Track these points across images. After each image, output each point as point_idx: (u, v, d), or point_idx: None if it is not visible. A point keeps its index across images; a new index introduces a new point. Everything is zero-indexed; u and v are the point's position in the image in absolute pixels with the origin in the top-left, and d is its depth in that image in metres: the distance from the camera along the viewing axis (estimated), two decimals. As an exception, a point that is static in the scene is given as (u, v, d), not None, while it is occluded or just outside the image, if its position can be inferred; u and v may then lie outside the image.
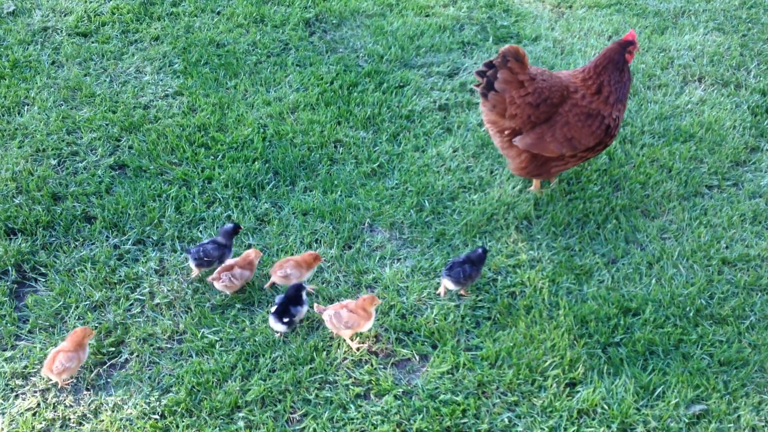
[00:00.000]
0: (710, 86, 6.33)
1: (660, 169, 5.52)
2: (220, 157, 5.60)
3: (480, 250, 4.63)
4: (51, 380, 4.13)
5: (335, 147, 5.77)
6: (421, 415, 4.01)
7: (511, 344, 4.34)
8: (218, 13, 7.20)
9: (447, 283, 4.60)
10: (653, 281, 4.71)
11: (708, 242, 4.95)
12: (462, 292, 4.66)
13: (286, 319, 4.32)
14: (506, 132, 4.97)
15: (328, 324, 4.31)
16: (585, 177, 5.45)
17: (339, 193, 5.34)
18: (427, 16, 7.26)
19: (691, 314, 4.49)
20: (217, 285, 4.53)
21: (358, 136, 5.83)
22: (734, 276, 4.74)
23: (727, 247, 4.93)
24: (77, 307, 4.52)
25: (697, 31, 6.98)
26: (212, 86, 6.27)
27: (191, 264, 4.68)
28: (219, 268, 4.54)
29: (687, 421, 3.98)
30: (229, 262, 4.59)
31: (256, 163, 5.54)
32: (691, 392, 4.09)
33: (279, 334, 4.40)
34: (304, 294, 4.41)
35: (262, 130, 5.84)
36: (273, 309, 4.36)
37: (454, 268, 4.55)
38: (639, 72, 6.46)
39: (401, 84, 6.38)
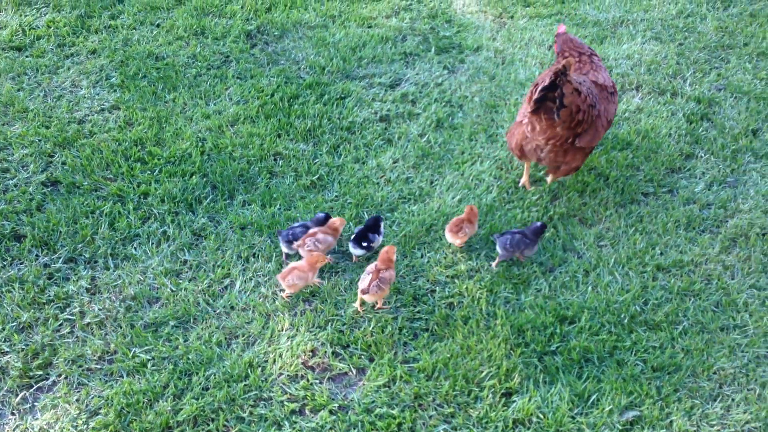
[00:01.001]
0: (647, 94, 6.42)
1: (597, 178, 5.58)
2: (156, 171, 5.51)
3: (538, 224, 4.84)
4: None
5: (275, 160, 5.72)
6: (357, 430, 3.97)
7: (448, 355, 4.32)
8: (158, 25, 7.11)
9: (498, 248, 4.84)
10: (589, 289, 4.74)
11: (643, 249, 5.01)
12: (519, 256, 4.89)
13: (365, 244, 4.81)
14: (569, 140, 4.94)
15: (373, 295, 4.45)
16: (521, 187, 5.48)
17: (278, 206, 5.29)
18: (369, 27, 7.26)
19: (626, 321, 4.53)
20: (302, 252, 4.80)
21: (298, 149, 5.79)
22: (668, 282, 4.79)
23: (661, 254, 4.99)
24: (3, 329, 4.39)
25: (635, 40, 7.09)
26: (150, 100, 6.18)
27: (282, 246, 4.91)
28: (304, 236, 4.83)
29: (620, 428, 4.00)
30: (313, 229, 4.88)
31: (193, 177, 5.47)
32: (625, 399, 4.12)
33: (356, 258, 4.92)
34: (382, 225, 4.93)
35: (200, 144, 5.77)
36: (352, 237, 4.88)
37: (505, 234, 4.80)
38: (578, 81, 6.53)
39: (342, 95, 6.35)
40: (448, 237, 4.94)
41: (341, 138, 5.92)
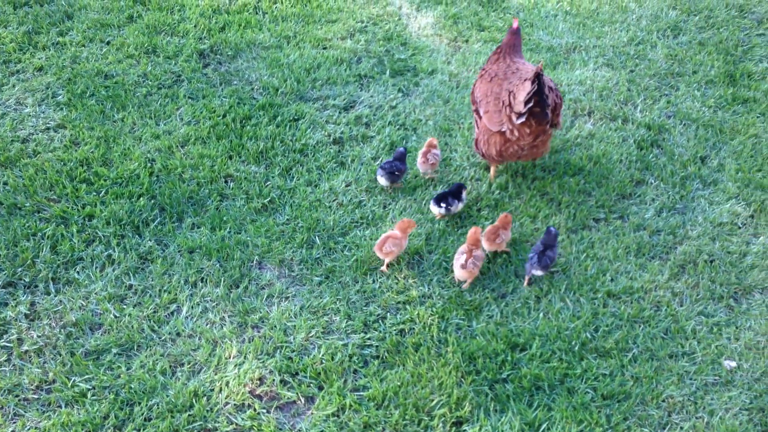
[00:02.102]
0: (599, 120, 6.49)
1: (550, 203, 5.59)
2: (103, 193, 5.37)
3: (553, 230, 4.99)
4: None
5: (226, 182, 5.63)
6: (304, 462, 3.89)
7: (399, 383, 4.26)
8: (108, 43, 6.97)
9: (537, 273, 4.95)
10: (541, 315, 4.73)
11: (594, 275, 5.02)
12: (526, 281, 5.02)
13: (443, 204, 5.22)
14: (549, 130, 5.24)
15: (469, 271, 4.81)
16: (476, 210, 5.47)
17: (228, 229, 5.19)
18: (324, 48, 7.23)
19: (577, 348, 4.53)
20: (423, 167, 5.62)
21: (250, 171, 5.70)
22: (618, 309, 4.81)
23: (612, 280, 5.01)
24: (-65, 357, 4.21)
25: (588, 66, 7.17)
26: (98, 119, 6.04)
27: (383, 179, 5.47)
28: (421, 153, 5.62)
29: (570, 457, 3.99)
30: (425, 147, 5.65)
31: (141, 199, 5.34)
32: (575, 427, 4.10)
33: (438, 215, 5.37)
34: (464, 193, 5.35)
35: (149, 165, 5.65)
36: (433, 197, 5.33)
37: (531, 258, 4.92)
38: (531, 106, 6.57)
39: (296, 117, 6.29)
40: (486, 245, 5.06)
41: (294, 160, 5.85)
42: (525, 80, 4.98)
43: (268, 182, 5.63)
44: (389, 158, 5.69)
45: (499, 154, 5.38)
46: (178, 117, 6.19)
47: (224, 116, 6.20)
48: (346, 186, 5.65)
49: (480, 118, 5.42)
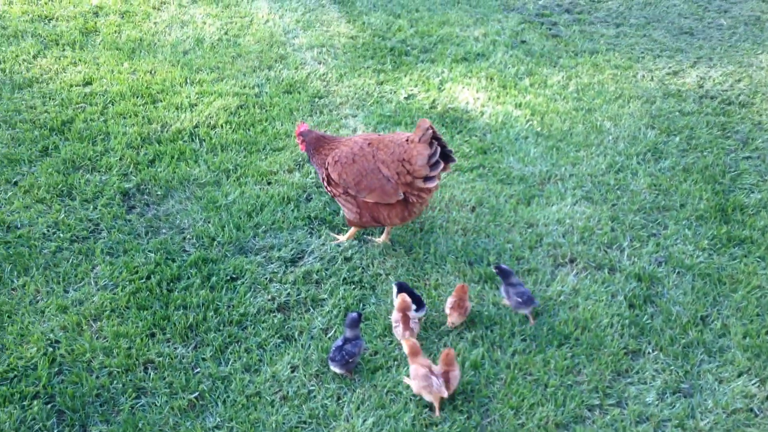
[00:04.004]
0: (582, 270, 5.68)
1: (534, 386, 4.71)
2: (-13, 395, 4.35)
3: (505, 268, 5.27)
4: None
5: (145, 370, 4.63)
6: None
7: None
8: (15, 183, 6.00)
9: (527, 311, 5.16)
10: None
11: (595, 492, 4.12)
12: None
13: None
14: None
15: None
16: (448, 401, 4.55)
17: (143, 441, 4.19)
18: (269, 183, 6.36)
19: None
20: (458, 319, 5.04)
21: (175, 354, 4.73)
22: None
23: (616, 499, 4.11)
24: None
25: (565, 200, 6.41)
26: (-8, 288, 5.04)
27: (338, 369, 4.60)
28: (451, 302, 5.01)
29: None
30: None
31: (36, 402, 4.31)
32: None
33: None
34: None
35: (50, 350, 4.64)
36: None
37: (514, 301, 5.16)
38: (506, 252, 5.75)
39: (234, 276, 5.36)
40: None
41: (230, 336, 4.90)
42: (411, 141, 5.07)
43: (197, 369, 4.66)
44: (341, 334, 4.77)
45: (403, 219, 5.39)
46: (92, 280, 5.21)
47: (148, 278, 5.25)
48: (292, 371, 4.70)
49: (354, 197, 5.34)
